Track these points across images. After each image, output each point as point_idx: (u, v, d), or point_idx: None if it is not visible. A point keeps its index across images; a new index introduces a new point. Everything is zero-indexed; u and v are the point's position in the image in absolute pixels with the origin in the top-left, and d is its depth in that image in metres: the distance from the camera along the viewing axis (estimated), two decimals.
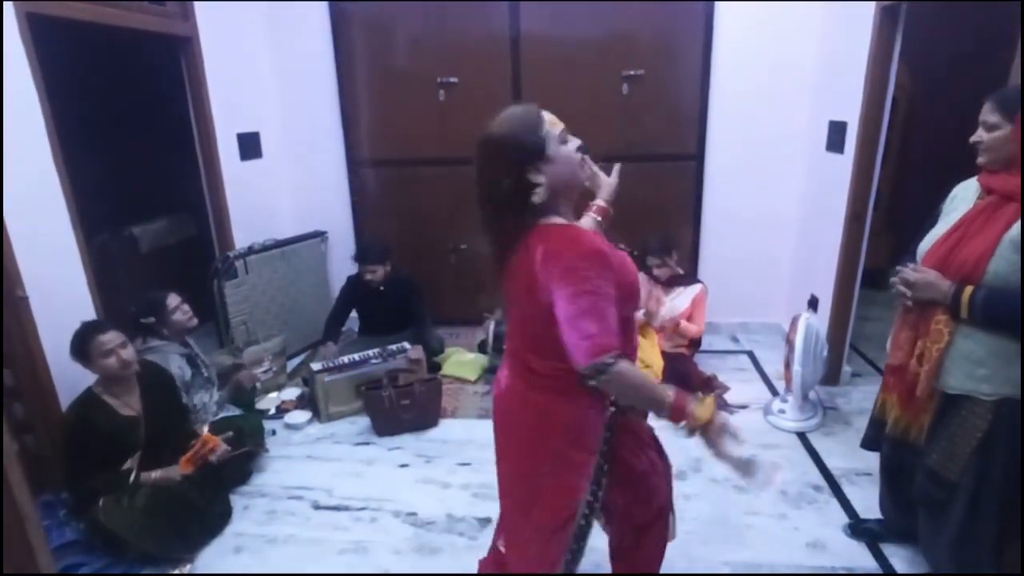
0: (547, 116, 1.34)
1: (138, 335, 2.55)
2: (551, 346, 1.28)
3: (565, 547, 1.44)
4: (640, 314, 3.27)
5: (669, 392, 1.27)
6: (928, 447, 1.70)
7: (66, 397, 2.28)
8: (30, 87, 2.26)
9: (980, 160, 1.59)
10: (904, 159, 4.38)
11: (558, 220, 1.33)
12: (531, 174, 1.28)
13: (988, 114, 1.54)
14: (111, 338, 2.12)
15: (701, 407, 1.28)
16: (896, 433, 1.80)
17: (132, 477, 2.14)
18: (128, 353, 2.16)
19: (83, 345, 2.11)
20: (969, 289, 1.52)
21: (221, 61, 3.27)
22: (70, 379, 2.28)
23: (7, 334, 2.17)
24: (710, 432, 1.29)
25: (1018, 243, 1.47)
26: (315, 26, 3.60)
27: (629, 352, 1.38)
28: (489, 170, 1.31)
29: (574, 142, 1.37)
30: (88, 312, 2.46)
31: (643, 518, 1.61)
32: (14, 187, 2.16)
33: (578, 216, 1.49)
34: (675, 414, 1.27)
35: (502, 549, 1.68)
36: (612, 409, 1.41)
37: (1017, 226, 1.47)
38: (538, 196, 1.29)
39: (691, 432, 1.29)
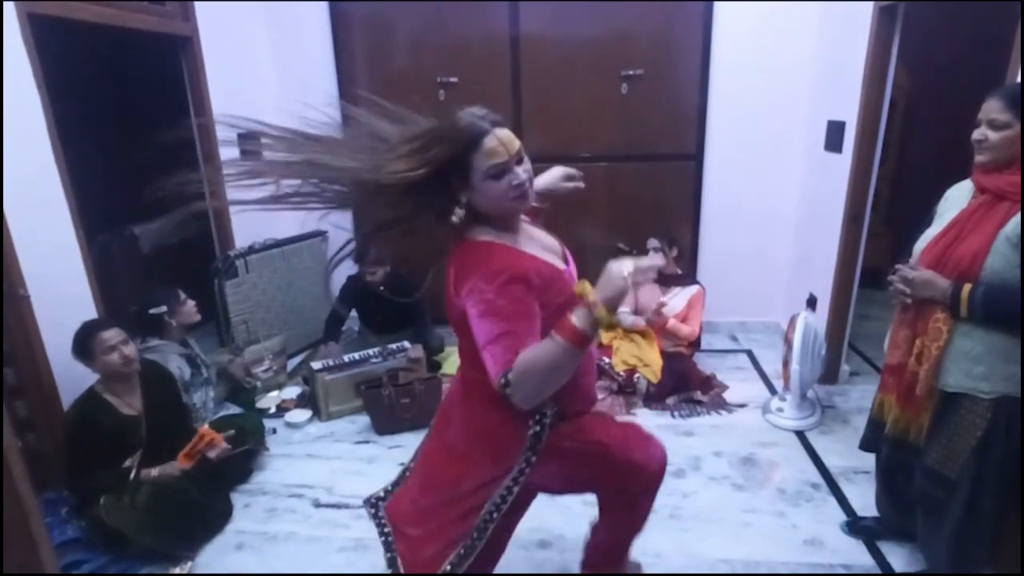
0: (488, 144, 1.25)
1: (139, 334, 2.56)
2: (472, 358, 1.33)
3: (464, 533, 1.46)
4: (641, 320, 3.28)
5: (558, 338, 1.15)
6: (927, 446, 1.71)
7: (67, 396, 2.29)
8: (31, 86, 2.27)
9: (980, 158, 1.56)
10: (903, 159, 4.39)
11: (483, 237, 1.33)
12: (456, 188, 1.30)
13: (998, 112, 1.49)
14: (113, 335, 2.13)
15: (589, 305, 1.15)
16: (895, 433, 1.80)
17: (133, 475, 2.15)
18: (130, 350, 2.18)
19: (85, 342, 2.12)
20: (968, 287, 1.52)
21: (221, 61, 3.28)
22: (71, 378, 2.29)
23: (9, 333, 2.19)
24: (613, 298, 1.15)
25: (1013, 239, 1.47)
26: (315, 26, 3.61)
27: (584, 361, 1.34)
28: (414, 149, 1.26)
29: (515, 176, 1.27)
30: (89, 311, 2.47)
31: (611, 481, 1.61)
32: (15, 186, 2.17)
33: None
34: (575, 337, 1.14)
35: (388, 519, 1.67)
36: (536, 428, 1.39)
37: (1012, 223, 1.48)
38: (456, 216, 1.31)
39: (605, 324, 1.16)
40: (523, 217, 1.46)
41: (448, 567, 1.47)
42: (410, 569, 1.54)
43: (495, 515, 1.45)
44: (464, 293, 1.28)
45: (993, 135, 1.51)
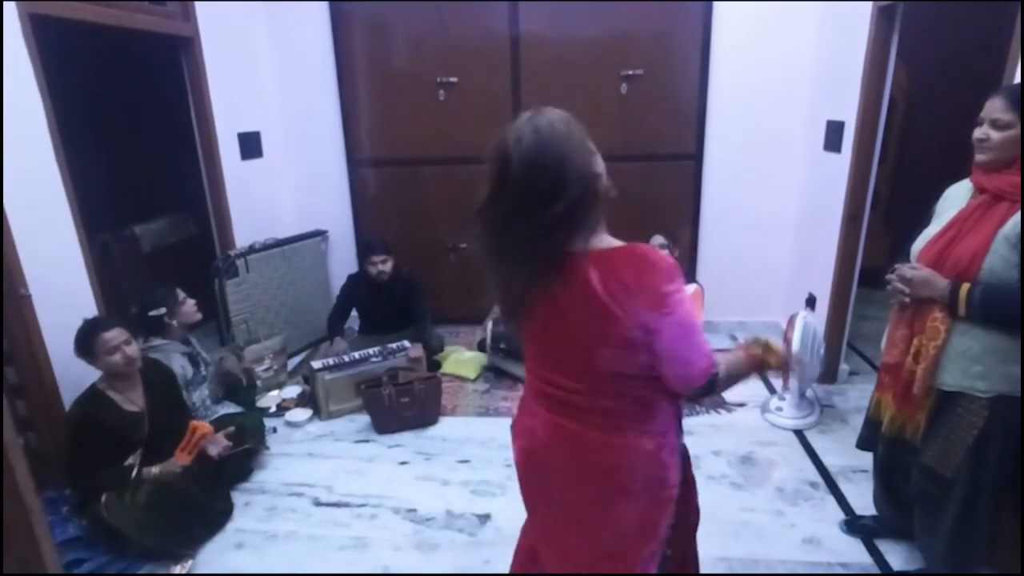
0: None
1: (141, 333, 2.57)
2: (631, 382, 1.18)
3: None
4: None
5: (740, 355, 1.31)
6: (924, 445, 1.71)
7: (68, 395, 2.30)
8: (33, 87, 2.28)
9: (981, 158, 1.55)
10: (902, 158, 4.40)
11: (611, 240, 1.20)
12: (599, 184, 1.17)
13: (1001, 112, 1.48)
14: (115, 335, 2.14)
15: (770, 354, 1.34)
16: (892, 432, 1.81)
17: (134, 473, 2.16)
18: (132, 349, 2.18)
19: (87, 343, 2.13)
20: (966, 286, 1.53)
21: (222, 61, 3.29)
22: (72, 377, 2.30)
23: (10, 332, 2.19)
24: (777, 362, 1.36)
25: (1012, 239, 1.48)
26: (315, 26, 3.62)
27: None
28: (562, 172, 1.12)
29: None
30: (90, 310, 2.48)
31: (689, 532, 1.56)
32: (17, 186, 2.18)
33: None
34: (755, 365, 1.33)
35: None
36: (683, 442, 1.37)
37: (1011, 223, 1.48)
38: (596, 212, 1.17)
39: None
40: None
41: None
42: None
43: (668, 546, 1.37)
44: (651, 300, 1.11)
45: (995, 135, 1.51)
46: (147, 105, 3.93)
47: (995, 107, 1.51)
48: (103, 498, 2.05)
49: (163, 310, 2.61)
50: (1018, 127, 1.47)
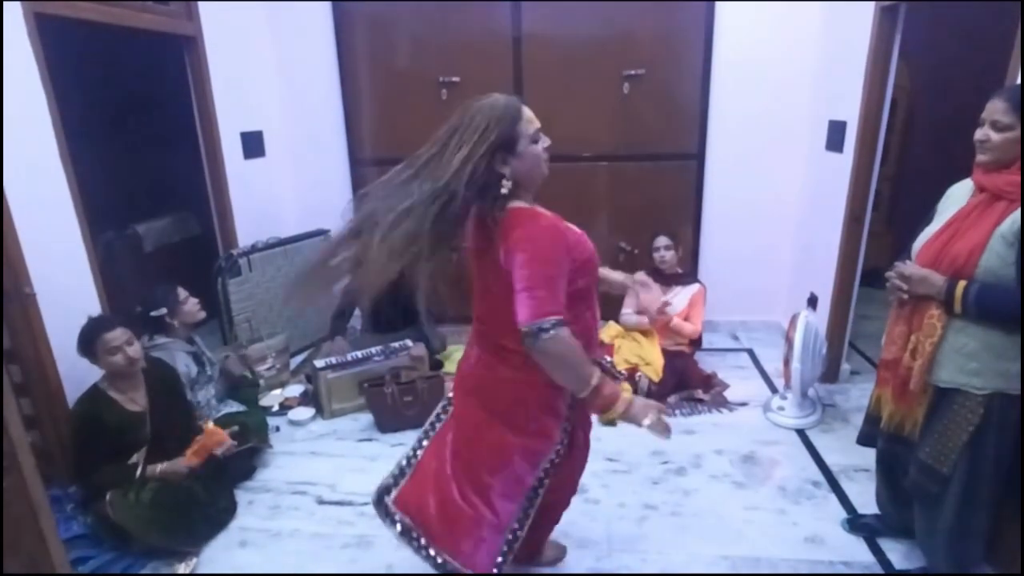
0: (527, 112, 1.42)
1: (145, 332, 2.58)
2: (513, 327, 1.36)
3: (518, 505, 1.58)
4: (644, 319, 3.29)
5: (596, 376, 1.38)
6: (921, 441, 1.73)
7: (73, 393, 2.30)
8: (38, 86, 2.28)
9: (982, 158, 1.56)
10: (903, 159, 4.40)
11: (520, 204, 1.44)
12: (498, 164, 1.38)
13: (1001, 114, 1.49)
14: (117, 335, 2.14)
15: (621, 404, 1.41)
16: (891, 428, 1.82)
17: (139, 471, 2.16)
18: (134, 350, 2.18)
19: (90, 343, 2.14)
20: (962, 284, 1.54)
21: (225, 60, 3.29)
22: (77, 375, 2.30)
23: (15, 330, 2.20)
24: (625, 418, 1.43)
25: (1008, 237, 1.49)
26: (318, 25, 3.63)
27: (585, 326, 1.51)
28: (462, 144, 1.37)
29: (544, 141, 1.45)
30: (94, 309, 2.48)
31: (569, 487, 1.86)
32: (22, 185, 2.18)
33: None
34: (598, 401, 1.39)
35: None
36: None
37: (1008, 221, 1.49)
38: (505, 188, 1.39)
39: (605, 422, 1.46)
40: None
41: (508, 540, 1.59)
42: (471, 564, 1.55)
43: (545, 482, 1.59)
44: (512, 241, 1.36)
45: (995, 136, 1.52)
46: (150, 104, 3.93)
47: (996, 109, 1.51)
48: (108, 496, 2.06)
49: (164, 310, 2.61)
50: (1018, 129, 1.48)
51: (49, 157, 2.35)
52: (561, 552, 2.10)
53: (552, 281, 1.34)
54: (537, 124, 1.43)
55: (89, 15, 2.49)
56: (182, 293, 2.72)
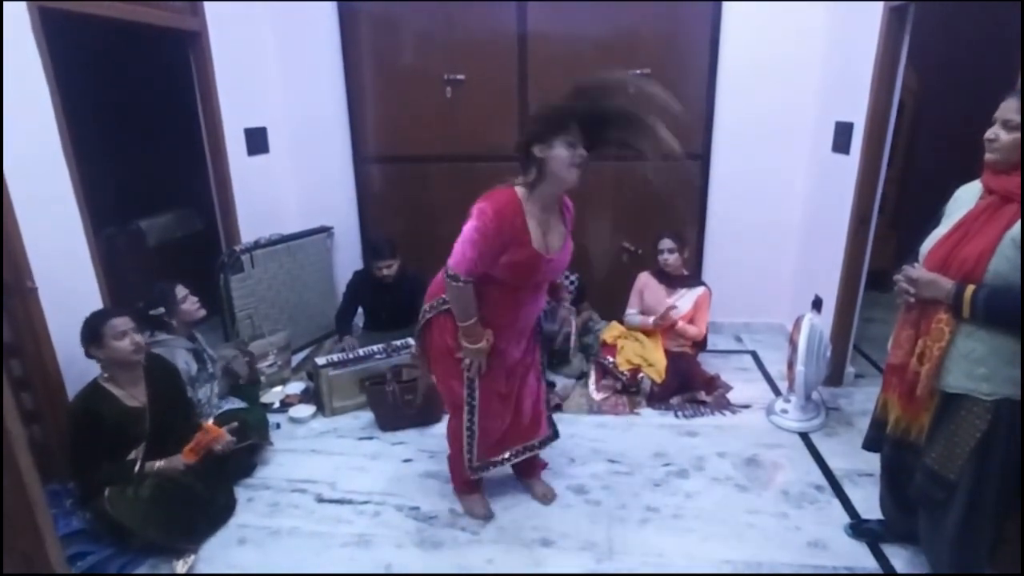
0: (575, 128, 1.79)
1: (146, 329, 2.57)
2: None
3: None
4: (648, 320, 3.27)
5: (472, 320, 1.92)
6: (928, 446, 1.71)
7: (73, 388, 2.30)
8: (41, 81, 2.28)
9: (990, 158, 1.55)
10: (910, 161, 4.37)
11: (518, 189, 1.85)
12: (535, 148, 1.80)
13: (1014, 113, 1.48)
14: (125, 322, 2.15)
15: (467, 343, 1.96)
16: (897, 433, 1.80)
17: (137, 468, 2.16)
18: (139, 338, 2.19)
19: (97, 328, 2.13)
20: (971, 287, 1.52)
21: (229, 56, 3.29)
22: (77, 370, 2.30)
23: (16, 325, 2.20)
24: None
25: (1018, 242, 1.47)
26: (323, 22, 3.62)
27: (492, 303, 1.95)
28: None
29: (579, 151, 1.81)
30: (96, 304, 2.48)
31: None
32: (25, 180, 2.18)
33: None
34: (468, 335, 1.95)
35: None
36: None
37: (1018, 225, 1.47)
38: (531, 175, 1.83)
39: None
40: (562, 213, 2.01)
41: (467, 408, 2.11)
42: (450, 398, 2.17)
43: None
44: (475, 206, 1.83)
45: (1005, 136, 1.51)
46: (154, 100, 3.93)
47: (1009, 108, 1.50)
48: (106, 492, 2.05)
49: (161, 310, 2.60)
50: None
51: (52, 152, 2.34)
52: (550, 492, 2.40)
53: (467, 247, 1.82)
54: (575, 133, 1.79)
55: (93, 10, 2.48)
56: (181, 291, 2.69)
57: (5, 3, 2.11)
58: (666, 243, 3.24)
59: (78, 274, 2.48)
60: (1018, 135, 1.48)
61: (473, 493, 2.34)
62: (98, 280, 2.55)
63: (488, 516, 2.29)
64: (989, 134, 1.54)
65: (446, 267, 1.88)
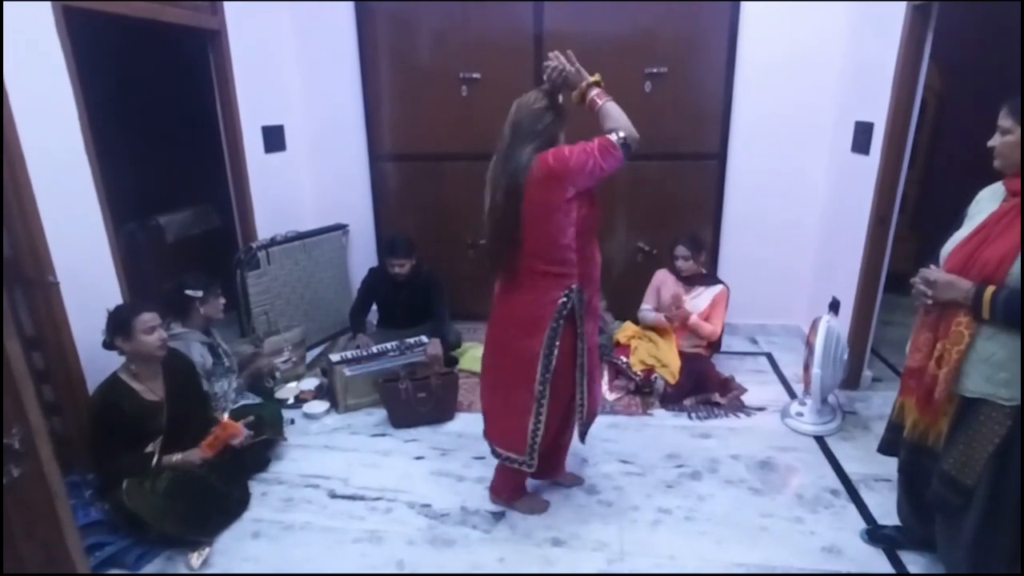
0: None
1: (168, 314, 2.60)
2: (541, 250, 1.99)
3: (532, 399, 2.02)
4: (662, 316, 3.26)
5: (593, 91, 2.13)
6: (945, 451, 1.68)
7: (93, 381, 2.33)
8: (65, 79, 2.31)
9: (996, 164, 1.58)
10: (931, 162, 4.30)
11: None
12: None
13: (1003, 119, 1.54)
14: (153, 317, 2.20)
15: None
16: (914, 437, 1.78)
17: (154, 461, 2.19)
18: (164, 334, 2.23)
19: (127, 321, 2.16)
20: (991, 289, 1.50)
21: (248, 55, 3.32)
22: (98, 363, 2.33)
23: (37, 318, 2.24)
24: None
25: None
26: (340, 22, 3.64)
27: (596, 273, 2.14)
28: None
29: None
30: (115, 298, 2.52)
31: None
32: (48, 174, 2.21)
33: None
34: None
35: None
36: (563, 299, 1.96)
37: None
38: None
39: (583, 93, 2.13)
40: None
41: (530, 433, 2.04)
42: (505, 442, 2.14)
43: (548, 375, 1.98)
44: (567, 152, 1.95)
45: (999, 141, 1.55)
46: (173, 97, 3.98)
47: (1001, 115, 1.55)
48: (124, 484, 2.08)
49: (200, 293, 2.66)
50: (1017, 132, 1.49)
51: (75, 149, 2.38)
52: (578, 479, 2.47)
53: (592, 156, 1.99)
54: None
55: (116, 9, 2.51)
56: (218, 289, 2.78)
57: (29, 2, 2.15)
58: (681, 250, 3.22)
59: (99, 269, 2.52)
60: (1007, 139, 1.52)
61: (524, 494, 2.36)
62: (118, 275, 2.59)
63: (546, 503, 2.35)
64: (991, 142, 1.57)
65: (610, 142, 2.02)
